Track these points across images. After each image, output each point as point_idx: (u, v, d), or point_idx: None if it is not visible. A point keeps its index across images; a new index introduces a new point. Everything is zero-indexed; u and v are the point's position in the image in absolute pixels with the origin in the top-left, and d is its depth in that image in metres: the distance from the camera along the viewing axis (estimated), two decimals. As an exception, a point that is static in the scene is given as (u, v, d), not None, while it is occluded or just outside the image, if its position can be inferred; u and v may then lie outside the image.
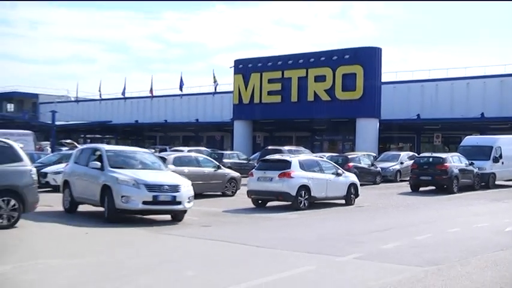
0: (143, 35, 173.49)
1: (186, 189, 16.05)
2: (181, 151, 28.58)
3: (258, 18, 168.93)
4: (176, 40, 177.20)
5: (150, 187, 15.49)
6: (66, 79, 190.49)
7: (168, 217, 16.47)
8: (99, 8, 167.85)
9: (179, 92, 64.53)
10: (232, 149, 44.85)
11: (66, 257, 10.72)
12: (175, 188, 15.83)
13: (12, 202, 13.50)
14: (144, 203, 15.33)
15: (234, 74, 52.33)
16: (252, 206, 20.14)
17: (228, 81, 55.67)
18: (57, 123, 53.08)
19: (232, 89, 52.99)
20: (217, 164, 25.51)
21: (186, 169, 21.75)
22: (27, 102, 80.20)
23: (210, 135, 59.63)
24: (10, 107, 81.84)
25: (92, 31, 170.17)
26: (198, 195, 20.27)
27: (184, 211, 16.14)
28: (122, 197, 15.17)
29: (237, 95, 51.58)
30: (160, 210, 16.25)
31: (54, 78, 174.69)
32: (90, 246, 11.72)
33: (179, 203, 15.74)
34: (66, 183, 17.79)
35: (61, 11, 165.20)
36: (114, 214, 15.56)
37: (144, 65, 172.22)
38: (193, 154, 26.14)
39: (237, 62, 52.80)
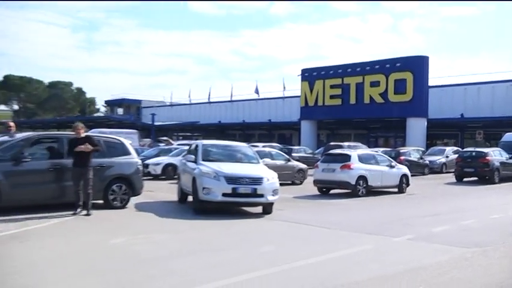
0: (225, 49, 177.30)
1: (270, 182, 13.96)
2: (257, 146, 28.47)
3: (322, 33, 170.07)
4: (252, 53, 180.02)
5: (230, 179, 13.58)
6: (163, 88, 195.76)
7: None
8: (191, 28, 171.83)
9: (255, 97, 64.94)
10: (299, 145, 44.62)
11: (168, 233, 11.02)
12: (256, 181, 13.74)
13: (124, 187, 14.33)
14: (224, 195, 13.47)
15: (301, 81, 52.15)
16: (318, 193, 20.06)
17: (295, 87, 55.62)
18: (156, 123, 54.41)
19: (299, 94, 52.94)
20: (288, 157, 25.43)
21: (261, 161, 21.71)
22: (132, 107, 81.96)
23: (281, 133, 59.56)
24: (120, 111, 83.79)
25: (184, 48, 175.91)
26: None
27: (270, 204, 14.07)
28: (204, 188, 13.62)
29: (304, 99, 51.48)
30: (241, 202, 14.26)
31: (153, 87, 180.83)
32: (187, 227, 11.82)
33: (261, 195, 13.68)
34: (178, 176, 17.88)
35: (160, 33, 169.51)
36: (198, 205, 14.01)
37: (226, 75, 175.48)
38: (267, 149, 26.08)
39: (304, 71, 52.64)
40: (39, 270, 7.73)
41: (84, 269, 7.84)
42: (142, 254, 8.89)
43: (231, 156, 15.72)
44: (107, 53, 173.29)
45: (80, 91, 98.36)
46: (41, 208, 12.74)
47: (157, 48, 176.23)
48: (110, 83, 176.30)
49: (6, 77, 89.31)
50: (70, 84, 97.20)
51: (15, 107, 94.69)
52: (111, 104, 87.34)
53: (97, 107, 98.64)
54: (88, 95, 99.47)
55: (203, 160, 14.84)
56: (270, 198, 13.90)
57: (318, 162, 21.38)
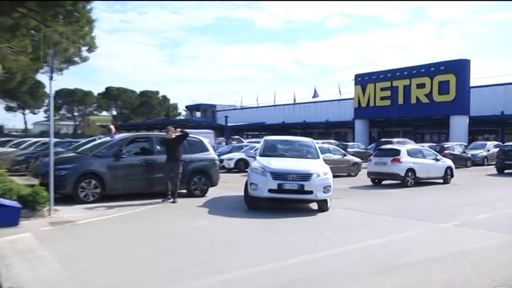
0: (287, 59, 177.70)
1: (321, 178, 11.92)
2: (317, 143, 28.26)
3: (372, 42, 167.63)
4: (310, 62, 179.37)
5: (276, 175, 11.82)
6: (234, 93, 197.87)
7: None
8: (257, 42, 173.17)
9: (313, 100, 64.66)
10: (353, 141, 44.02)
11: (241, 218, 11.11)
12: (304, 177, 11.79)
13: (203, 179, 14.74)
14: (270, 190, 11.74)
15: (355, 85, 51.48)
16: (371, 184, 19.74)
17: (349, 91, 54.91)
18: (228, 124, 54.98)
19: (353, 96, 52.30)
20: (344, 152, 25.17)
21: (322, 156, 21.58)
22: (208, 110, 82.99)
23: (337, 131, 58.84)
24: (198, 114, 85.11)
25: (252, 59, 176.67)
26: None
27: (322, 201, 12.10)
28: (251, 184, 12.11)
29: (357, 101, 50.80)
30: (287, 198, 12.22)
31: (226, 94, 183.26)
32: (256, 214, 11.69)
33: (309, 192, 11.76)
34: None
35: (231, 47, 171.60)
36: (249, 201, 12.41)
37: (288, 81, 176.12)
38: (325, 145, 25.81)
39: (357, 76, 51.93)
40: (142, 246, 8.04)
41: (174, 246, 8.10)
42: (221, 235, 9.06)
43: (290, 151, 13.90)
44: (186, 65, 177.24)
45: (165, 98, 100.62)
46: (135, 196, 13.26)
47: (229, 60, 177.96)
48: (190, 91, 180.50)
49: (107, 89, 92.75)
50: (157, 92, 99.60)
51: (114, 112, 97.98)
52: (191, 108, 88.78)
53: (179, 111, 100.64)
54: (171, 101, 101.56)
55: (261, 155, 13.33)
56: (320, 195, 11.87)
57: (371, 156, 21.03)
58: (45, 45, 19.59)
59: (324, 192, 11.90)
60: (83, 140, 21.61)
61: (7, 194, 10.49)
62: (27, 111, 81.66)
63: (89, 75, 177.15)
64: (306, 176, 11.84)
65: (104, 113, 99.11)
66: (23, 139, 35.84)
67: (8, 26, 17.57)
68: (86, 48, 19.52)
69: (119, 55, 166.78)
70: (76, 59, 20.09)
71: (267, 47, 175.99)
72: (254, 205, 12.30)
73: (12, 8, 15.60)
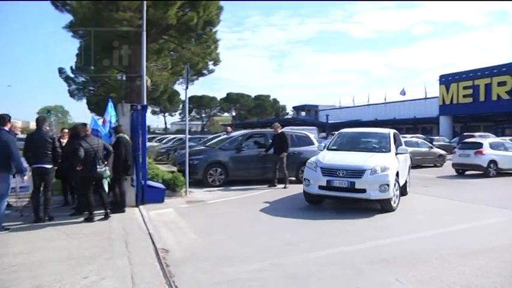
0: (379, 64, 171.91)
1: (378, 175, 9.16)
2: (405, 137, 27.11)
3: (454, 45, 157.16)
4: (399, 65, 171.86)
5: (326, 171, 9.51)
6: (333, 95, 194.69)
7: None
8: (353, 50, 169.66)
9: (403, 99, 62.01)
10: (438, 135, 41.61)
11: (340, 204, 10.58)
12: (355, 173, 9.20)
13: None
14: (320, 187, 9.50)
15: (439, 84, 48.47)
16: (455, 174, 18.49)
17: (434, 90, 51.93)
18: (329, 122, 54.52)
19: (437, 95, 49.46)
20: (430, 145, 23.92)
21: (410, 149, 20.69)
22: (312, 110, 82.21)
23: (423, 126, 55.81)
24: (303, 113, 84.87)
25: (348, 65, 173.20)
26: (417, 166, 20.20)
27: (382, 200, 9.33)
28: (305, 179, 10.04)
29: (442, 99, 47.82)
30: (336, 197, 9.66)
31: (326, 95, 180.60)
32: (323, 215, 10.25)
33: (361, 190, 9.13)
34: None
35: (329, 55, 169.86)
36: (306, 197, 10.19)
37: (380, 83, 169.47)
38: (414, 139, 24.71)
39: (441, 77, 48.81)
40: (257, 223, 8.23)
41: (285, 223, 8.15)
42: (324, 215, 8.96)
43: (361, 145, 11.10)
44: (292, 72, 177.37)
45: (275, 101, 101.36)
46: (252, 182, 13.59)
47: (328, 66, 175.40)
48: (295, 94, 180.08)
49: (228, 94, 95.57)
50: (268, 96, 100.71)
51: (233, 113, 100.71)
52: (297, 108, 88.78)
53: (287, 111, 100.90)
54: (281, 103, 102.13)
55: (329, 149, 11.07)
56: (374, 194, 9.11)
57: (456, 149, 19.67)
58: (181, 62, 20.85)
59: (380, 191, 9.10)
60: (210, 136, 22.61)
61: (155, 178, 11.39)
62: (166, 114, 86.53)
63: (213, 84, 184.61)
64: (358, 172, 9.24)
65: (225, 114, 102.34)
66: (163, 136, 38.13)
67: (155, 50, 18.94)
68: (211, 62, 20.35)
69: (237, 66, 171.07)
70: (204, 71, 21.02)
71: (361, 54, 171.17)
72: (310, 199, 10.13)
73: (159, 36, 16.80)
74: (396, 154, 10.49)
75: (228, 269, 5.50)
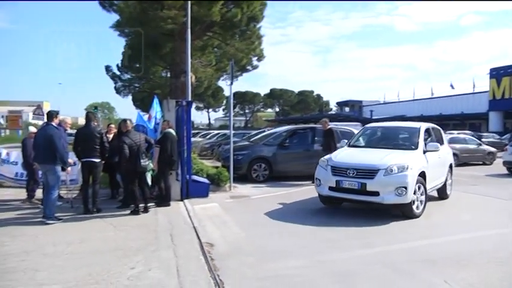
0: (425, 58, 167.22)
1: (393, 175, 7.79)
2: (452, 133, 26.17)
3: (505, 37, 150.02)
4: (446, 59, 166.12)
5: (335, 170, 8.35)
6: (377, 90, 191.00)
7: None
8: (397, 44, 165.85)
9: (450, 94, 59.91)
10: (487, 132, 39.91)
11: None
12: (366, 173, 7.93)
13: None
14: (330, 188, 8.37)
15: (490, 78, 46.54)
16: (506, 172, 17.30)
17: (482, 84, 49.97)
18: (373, 117, 53.46)
19: (487, 89, 47.42)
20: (479, 142, 22.93)
21: (457, 145, 19.94)
22: (355, 105, 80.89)
23: (471, 122, 53.76)
24: (346, 109, 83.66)
25: (393, 59, 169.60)
26: (464, 164, 19.59)
27: (402, 205, 7.95)
28: (316, 179, 8.95)
29: (492, 93, 45.90)
30: (346, 199, 8.49)
31: (370, 90, 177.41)
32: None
33: (374, 193, 7.82)
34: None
35: (374, 50, 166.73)
36: (319, 198, 9.12)
37: (426, 77, 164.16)
38: (461, 135, 23.80)
39: (492, 70, 46.81)
40: (300, 219, 8.07)
41: (328, 221, 8.02)
42: (367, 214, 8.69)
43: (383, 141, 9.71)
44: (336, 68, 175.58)
45: (319, 96, 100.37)
46: (295, 178, 13.45)
47: (372, 61, 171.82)
48: (339, 89, 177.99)
49: (272, 90, 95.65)
50: (312, 92, 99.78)
51: (277, 109, 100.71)
52: (340, 104, 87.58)
53: (330, 107, 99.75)
54: (324, 99, 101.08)
55: (350, 145, 9.87)
56: (388, 198, 7.78)
57: (507, 146, 18.39)
58: (225, 58, 20.97)
59: (396, 194, 7.74)
60: (254, 132, 22.66)
61: (199, 172, 11.51)
62: (210, 110, 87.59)
63: (257, 80, 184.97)
64: (370, 172, 7.92)
65: (269, 110, 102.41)
66: (207, 131, 38.59)
67: (199, 47, 19.15)
68: (255, 58, 20.33)
69: (280, 62, 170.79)
70: (248, 67, 21.03)
71: (406, 48, 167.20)
72: (324, 200, 9.09)
73: (203, 33, 16.96)
74: (425, 152, 8.93)
75: (273, 264, 5.45)
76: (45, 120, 8.22)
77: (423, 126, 9.80)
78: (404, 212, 8.10)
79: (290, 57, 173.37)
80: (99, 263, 5.41)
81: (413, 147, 9.02)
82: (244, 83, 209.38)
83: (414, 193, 8.04)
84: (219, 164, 14.69)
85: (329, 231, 7.23)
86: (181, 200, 9.88)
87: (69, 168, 8.07)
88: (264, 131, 18.63)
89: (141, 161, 8.45)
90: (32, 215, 8.43)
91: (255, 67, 21.23)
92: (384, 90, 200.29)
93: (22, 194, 10.09)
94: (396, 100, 73.57)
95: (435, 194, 10.21)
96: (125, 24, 18.59)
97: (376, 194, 7.85)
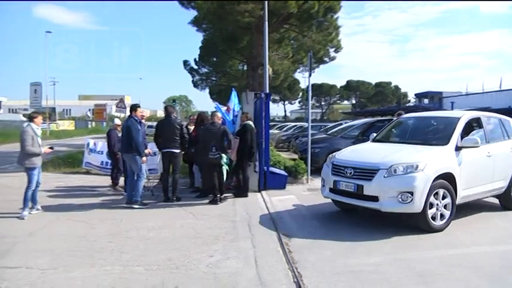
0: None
1: (398, 176, 6.24)
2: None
3: None
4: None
5: (335, 168, 7.07)
6: (459, 80, 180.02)
7: None
8: (482, 29, 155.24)
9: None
10: None
11: None
12: (365, 173, 6.51)
13: None
14: (330, 190, 7.15)
15: None
16: None
17: None
18: (454, 110, 50.48)
19: None
20: None
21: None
22: (435, 97, 76.72)
23: None
24: (425, 101, 79.80)
25: (476, 47, 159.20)
26: None
27: (414, 215, 6.35)
28: (322, 179, 7.67)
29: None
30: (344, 203, 7.12)
31: (451, 81, 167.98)
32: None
33: (371, 198, 6.39)
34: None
35: (454, 37, 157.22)
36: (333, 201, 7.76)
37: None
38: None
39: None
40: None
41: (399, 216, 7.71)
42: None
43: (411, 134, 8.00)
44: (415, 57, 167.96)
45: (397, 88, 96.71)
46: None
47: (454, 49, 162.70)
48: (418, 80, 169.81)
49: (348, 82, 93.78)
50: (389, 83, 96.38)
51: (353, 101, 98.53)
52: (419, 95, 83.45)
53: (408, 98, 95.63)
54: (402, 90, 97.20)
55: (375, 140, 8.30)
56: (388, 205, 6.26)
57: None
58: (301, 50, 20.73)
59: (400, 201, 6.18)
60: (331, 124, 22.22)
61: (277, 164, 11.44)
62: (286, 102, 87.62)
63: (333, 71, 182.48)
64: (368, 172, 6.49)
65: (345, 102, 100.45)
66: (283, 124, 38.57)
67: (276, 39, 19.09)
68: (333, 49, 19.92)
69: (357, 53, 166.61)
70: (325, 59, 20.63)
71: (491, 34, 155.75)
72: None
73: (280, 26, 16.86)
74: (459, 148, 6.93)
75: (351, 259, 5.22)
76: (128, 113, 8.62)
77: (466, 116, 7.63)
78: (417, 224, 6.45)
79: (367, 47, 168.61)
80: (179, 249, 5.53)
81: (443, 142, 7.05)
82: (320, 75, 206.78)
83: (426, 201, 6.26)
84: (295, 156, 14.55)
85: (410, 229, 6.74)
86: (259, 191, 9.86)
87: (144, 158, 8.36)
88: (342, 124, 18.15)
89: (210, 153, 8.53)
90: (116, 200, 8.94)
91: (332, 58, 20.78)
92: (466, 81, 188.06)
93: (107, 181, 10.74)
94: (480, 91, 68.77)
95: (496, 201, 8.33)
96: (202, 20, 19.01)
97: (375, 199, 6.38)
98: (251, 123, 9.56)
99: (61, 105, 70.41)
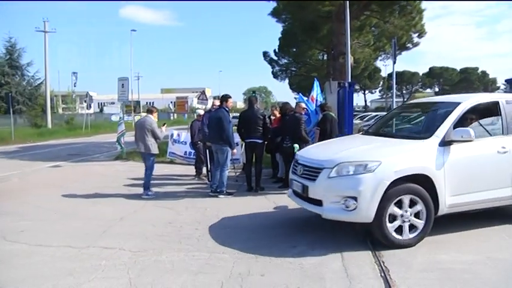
0: None
1: (342, 178, 5.05)
2: None
3: None
4: None
5: (294, 165, 6.08)
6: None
7: None
8: None
9: None
10: None
11: None
12: (312, 172, 5.43)
13: None
14: (293, 190, 6.09)
15: None
16: None
17: None
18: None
19: None
20: None
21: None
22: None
23: None
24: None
25: None
26: None
27: (364, 224, 5.14)
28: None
29: None
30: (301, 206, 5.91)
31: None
32: None
33: (316, 202, 5.32)
34: None
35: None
36: None
37: None
38: None
39: None
40: None
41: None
42: None
43: (401, 125, 7.21)
44: (505, 40, 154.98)
45: (484, 73, 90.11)
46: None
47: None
48: (508, 64, 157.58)
49: (431, 68, 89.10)
50: (476, 69, 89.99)
51: (436, 89, 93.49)
52: (510, 82, 77.45)
53: (497, 85, 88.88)
54: (490, 76, 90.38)
55: (366, 132, 7.19)
56: (330, 211, 5.16)
57: None
58: (383, 37, 19.95)
59: (342, 207, 5.03)
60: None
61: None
62: (366, 91, 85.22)
63: (414, 58, 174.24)
64: (313, 171, 5.43)
65: (428, 90, 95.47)
66: (364, 113, 37.60)
67: (357, 27, 18.53)
68: (416, 35, 18.98)
69: (440, 38, 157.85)
70: (408, 45, 19.70)
71: None
72: None
73: (360, 13, 16.35)
74: (447, 143, 5.36)
75: (441, 256, 4.89)
76: (209, 105, 8.79)
77: (470, 101, 5.82)
78: (375, 234, 5.19)
79: (451, 31, 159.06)
80: (263, 238, 5.57)
81: (425, 135, 5.58)
82: (401, 62, 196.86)
83: (382, 209, 4.97)
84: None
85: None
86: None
87: (235, 150, 8.48)
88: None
89: (284, 142, 8.77)
90: (200, 189, 9.24)
91: (415, 44, 19.83)
92: None
93: (190, 170, 11.10)
94: None
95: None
96: (282, 11, 18.94)
97: (318, 203, 5.31)
98: (331, 113, 9.37)
99: (145, 99, 74.26)
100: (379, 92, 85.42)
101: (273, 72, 30.89)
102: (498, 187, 5.60)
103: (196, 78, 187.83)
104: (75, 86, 39.63)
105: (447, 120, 5.53)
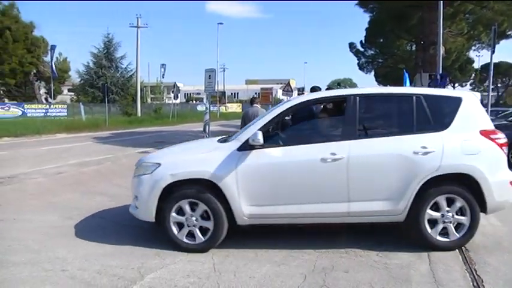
0: None
1: (135, 177, 5.24)
2: None
3: None
4: None
5: None
6: None
7: None
8: None
9: None
10: None
11: None
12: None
13: None
14: None
15: None
16: None
17: None
18: None
19: None
20: None
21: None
22: None
23: None
24: None
25: None
26: None
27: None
28: None
29: None
30: None
31: None
32: None
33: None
34: None
35: None
36: None
37: None
38: None
39: None
40: None
41: None
42: None
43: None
44: None
45: None
46: None
47: None
48: None
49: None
50: None
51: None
52: None
53: None
54: None
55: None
56: (131, 208, 5.38)
57: None
58: (479, 24, 18.55)
59: (134, 204, 5.30)
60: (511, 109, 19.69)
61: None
62: (456, 84, 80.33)
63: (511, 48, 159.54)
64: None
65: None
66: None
67: (449, 14, 17.43)
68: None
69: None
70: (510, 32, 18.11)
71: None
72: None
73: (454, -2, 15.40)
74: (247, 148, 4.84)
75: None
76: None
77: (298, 100, 5.36)
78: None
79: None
80: (345, 234, 5.41)
81: (236, 138, 5.15)
82: (498, 53, 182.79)
83: (165, 212, 4.89)
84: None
85: None
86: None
87: None
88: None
89: None
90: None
91: (519, 31, 18.22)
92: None
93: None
94: None
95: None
96: (370, 0, 18.38)
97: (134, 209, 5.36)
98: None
99: (230, 90, 76.12)
100: (470, 85, 79.78)
101: (358, 63, 30.31)
102: (321, 201, 4.82)
103: (281, 69, 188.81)
104: (163, 77, 41.79)
105: (259, 121, 5.10)
